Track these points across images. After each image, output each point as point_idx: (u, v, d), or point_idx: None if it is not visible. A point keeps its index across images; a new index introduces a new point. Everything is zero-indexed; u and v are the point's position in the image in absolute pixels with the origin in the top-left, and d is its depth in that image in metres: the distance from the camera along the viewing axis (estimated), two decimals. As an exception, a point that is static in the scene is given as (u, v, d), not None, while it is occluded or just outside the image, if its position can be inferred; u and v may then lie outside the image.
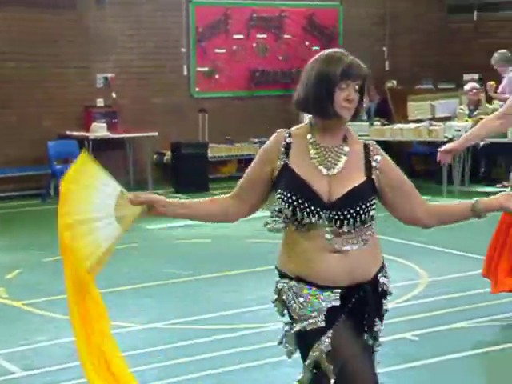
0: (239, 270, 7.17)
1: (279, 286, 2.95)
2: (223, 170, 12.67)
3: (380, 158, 2.89)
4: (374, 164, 2.88)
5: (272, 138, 2.94)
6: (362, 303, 2.87)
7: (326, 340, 2.81)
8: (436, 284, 6.49)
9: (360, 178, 2.85)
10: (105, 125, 11.50)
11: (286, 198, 2.81)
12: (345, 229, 2.80)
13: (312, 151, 2.86)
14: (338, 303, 2.83)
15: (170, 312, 6.06)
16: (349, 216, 2.79)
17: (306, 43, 13.35)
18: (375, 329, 2.90)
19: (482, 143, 10.29)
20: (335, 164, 2.84)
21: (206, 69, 12.73)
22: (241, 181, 2.98)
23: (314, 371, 2.87)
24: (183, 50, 12.54)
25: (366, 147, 2.91)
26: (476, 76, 12.74)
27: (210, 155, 12.14)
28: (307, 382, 2.91)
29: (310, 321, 2.84)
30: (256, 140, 12.72)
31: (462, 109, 11.80)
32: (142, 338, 5.51)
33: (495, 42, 12.84)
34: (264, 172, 2.91)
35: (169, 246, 8.34)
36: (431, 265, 6.97)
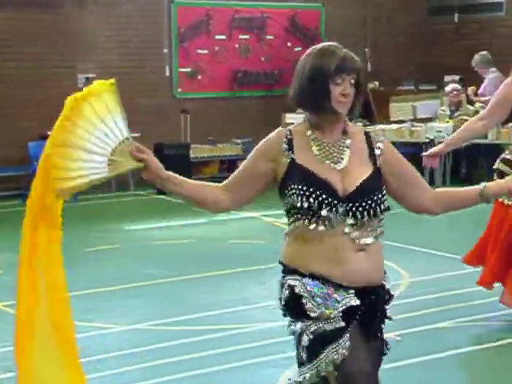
0: (222, 271, 7.16)
1: (291, 282, 2.82)
2: (206, 171, 12.65)
3: (382, 145, 2.85)
4: (377, 152, 2.83)
5: (272, 135, 2.87)
6: (373, 307, 2.81)
7: (344, 342, 2.73)
8: (417, 284, 6.51)
9: (368, 169, 2.80)
10: (86, 125, 11.43)
11: (301, 192, 2.72)
12: (361, 222, 2.73)
13: (314, 148, 2.80)
14: (355, 303, 2.75)
15: (154, 313, 6.05)
16: (366, 208, 2.73)
17: (289, 44, 13.37)
18: (382, 334, 2.88)
19: (463, 144, 10.34)
20: (341, 159, 2.79)
21: (189, 69, 12.71)
22: (235, 174, 2.88)
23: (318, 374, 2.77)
24: (165, 50, 12.51)
25: (367, 135, 2.86)
26: (457, 77, 12.80)
27: (192, 156, 12.12)
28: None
29: (329, 321, 2.74)
30: (238, 141, 12.71)
31: (443, 110, 11.85)
32: (126, 339, 5.49)
33: (476, 43, 12.92)
34: (263, 168, 2.82)
35: (151, 246, 8.31)
36: (411, 265, 6.99)
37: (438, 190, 2.97)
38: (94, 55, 11.99)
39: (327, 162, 2.78)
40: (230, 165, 12.70)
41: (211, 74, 12.80)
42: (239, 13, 13.02)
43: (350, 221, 2.73)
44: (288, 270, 2.85)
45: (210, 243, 8.41)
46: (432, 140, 11.16)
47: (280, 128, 2.90)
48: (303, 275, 2.79)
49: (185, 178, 2.82)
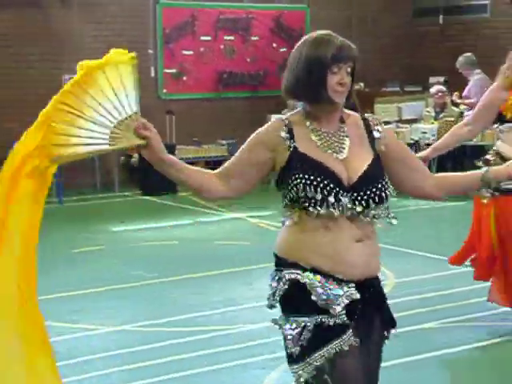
0: (206, 272, 7.16)
1: (291, 276, 2.72)
2: (191, 172, 12.63)
3: (381, 129, 2.81)
4: (376, 135, 2.79)
5: (270, 124, 2.80)
6: (373, 299, 2.78)
7: (348, 338, 2.68)
8: (403, 285, 6.53)
9: (369, 156, 2.75)
10: (71, 126, 11.40)
11: (308, 181, 2.65)
12: (366, 211, 2.69)
13: (314, 138, 2.74)
14: (356, 297, 2.69)
15: (141, 314, 6.03)
16: (371, 196, 2.68)
17: (274, 45, 13.38)
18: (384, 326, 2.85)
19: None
20: (342, 148, 2.74)
21: (174, 70, 12.70)
22: (229, 164, 2.78)
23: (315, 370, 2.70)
24: (150, 51, 12.49)
25: (365, 120, 2.82)
26: (442, 79, 12.85)
27: (177, 157, 12.09)
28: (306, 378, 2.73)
29: (332, 317, 2.68)
30: (224, 142, 12.71)
31: (428, 111, 11.90)
32: (112, 340, 5.47)
33: (461, 45, 12.98)
34: (262, 157, 2.74)
35: (136, 248, 8.29)
36: (396, 266, 7.01)
37: (438, 174, 2.94)
38: (79, 56, 11.82)
39: (329, 151, 2.73)
40: (215, 166, 12.69)
41: (196, 74, 12.79)
42: (224, 14, 13.02)
43: (355, 210, 2.68)
44: (286, 264, 2.75)
45: (196, 244, 8.40)
46: (417, 141, 11.20)
47: (276, 117, 2.84)
48: (304, 269, 2.71)
49: (184, 163, 2.72)
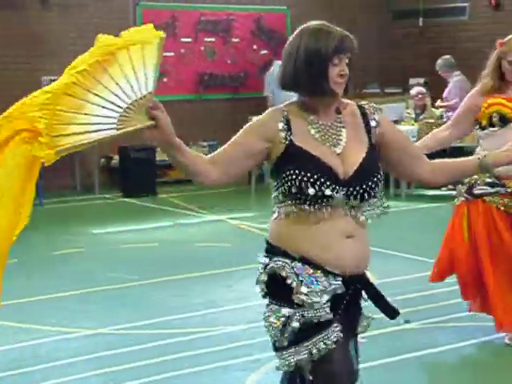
0: (187, 274, 7.14)
1: (277, 264, 2.70)
2: (171, 174, 12.60)
3: (378, 116, 2.79)
4: (373, 124, 2.76)
5: (267, 114, 2.75)
6: (357, 295, 2.77)
7: (331, 333, 2.65)
8: (385, 286, 6.49)
9: (364, 147, 2.72)
10: (51, 128, 11.35)
11: (303, 178, 2.61)
12: (359, 204, 2.67)
13: (312, 130, 2.71)
14: (342, 291, 2.68)
15: (119, 317, 6.00)
16: (366, 190, 2.66)
17: (254, 47, 13.38)
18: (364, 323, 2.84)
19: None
20: (339, 140, 2.71)
21: (154, 72, 12.66)
22: (225, 149, 2.72)
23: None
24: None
25: (361, 108, 2.80)
26: (422, 80, 12.91)
27: (158, 159, 12.07)
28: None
29: (316, 310, 2.66)
30: (205, 143, 12.69)
31: (408, 113, 11.95)
32: (91, 343, 5.44)
33: (440, 47, 13.05)
34: (258, 146, 2.69)
35: (115, 250, 8.26)
36: (378, 267, 7.01)
37: (436, 161, 2.91)
38: (59, 57, 11.88)
39: (326, 144, 2.69)
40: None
41: (177, 76, 12.77)
42: (205, 15, 13.01)
43: (350, 204, 2.67)
44: (276, 251, 2.73)
45: (177, 246, 8.38)
46: (397, 143, 11.23)
47: (272, 108, 2.79)
48: (293, 258, 2.69)
49: (187, 147, 2.64)
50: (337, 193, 2.63)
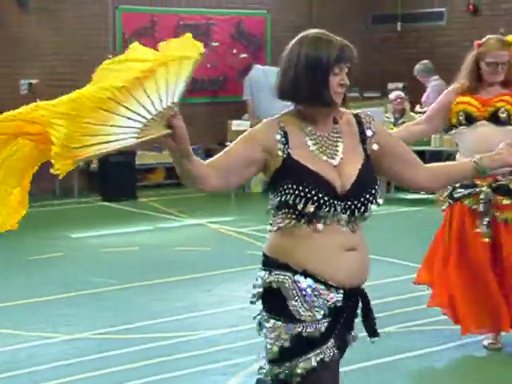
0: (167, 279, 7.12)
1: (279, 278, 2.66)
2: (151, 178, 12.58)
3: (374, 125, 2.76)
4: (369, 134, 2.74)
5: (265, 124, 2.69)
6: (355, 308, 2.76)
7: (328, 350, 2.65)
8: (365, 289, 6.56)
9: (360, 158, 2.70)
10: (29, 132, 11.29)
11: (301, 193, 2.58)
12: (356, 217, 2.65)
13: (310, 142, 2.67)
14: (342, 304, 2.67)
15: (98, 321, 5.98)
16: (364, 203, 2.65)
17: (234, 51, 13.39)
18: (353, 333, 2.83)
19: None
20: (336, 151, 2.68)
21: (134, 76, 12.64)
22: (223, 157, 2.64)
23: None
24: (110, 56, 12.38)
25: (357, 117, 2.77)
26: (400, 85, 12.98)
27: (137, 163, 12.04)
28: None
29: (316, 325, 2.64)
30: (184, 147, 12.66)
31: (387, 117, 12.00)
32: (71, 348, 5.41)
33: (418, 52, 13.13)
34: (256, 156, 2.64)
35: (95, 254, 8.22)
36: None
37: (431, 165, 2.90)
38: (38, 61, 11.84)
39: (324, 157, 2.66)
40: (175, 172, 12.62)
41: (156, 80, 12.74)
42: (184, 19, 13.00)
43: (347, 217, 2.64)
44: (276, 264, 2.69)
45: (156, 250, 8.36)
46: (376, 146, 11.26)
47: (269, 118, 2.72)
48: (294, 271, 2.65)
49: (193, 154, 2.55)
50: (334, 207, 2.61)
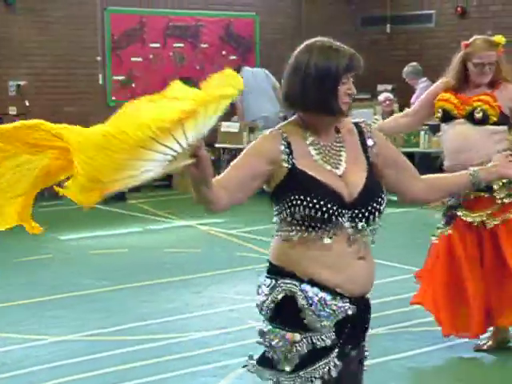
0: (156, 280, 7.11)
1: (285, 286, 2.61)
2: (140, 180, 12.56)
3: (375, 137, 2.74)
4: (370, 143, 2.72)
5: (266, 137, 2.67)
6: (363, 316, 2.73)
7: (335, 359, 2.62)
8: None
9: (364, 167, 2.68)
10: (18, 133, 11.26)
11: (309, 204, 2.54)
12: (365, 227, 2.62)
13: (313, 152, 2.64)
14: (350, 312, 2.63)
15: (87, 323, 5.97)
16: (372, 212, 2.62)
17: (223, 52, 13.40)
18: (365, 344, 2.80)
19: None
20: (339, 161, 2.65)
21: (123, 77, 12.62)
22: (228, 176, 2.60)
23: None
24: (99, 58, 12.40)
25: (358, 126, 2.75)
26: (390, 87, 13.02)
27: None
28: None
29: (324, 335, 2.60)
30: (173, 149, 12.66)
31: (376, 119, 11.97)
32: (59, 350, 5.39)
33: (407, 53, 13.17)
34: (262, 169, 2.60)
35: (84, 256, 8.20)
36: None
37: (427, 177, 2.87)
38: (26, 62, 11.81)
39: (328, 167, 2.63)
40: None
41: (145, 81, 12.73)
42: (173, 21, 12.99)
43: (356, 227, 2.61)
44: (282, 273, 2.63)
45: (146, 252, 8.34)
46: (365, 148, 11.30)
47: (270, 129, 2.69)
48: (301, 280, 2.61)
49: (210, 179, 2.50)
50: (342, 216, 2.58)
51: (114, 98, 12.53)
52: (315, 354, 2.60)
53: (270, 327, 2.64)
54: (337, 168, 2.65)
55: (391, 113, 11.95)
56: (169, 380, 4.89)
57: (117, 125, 2.23)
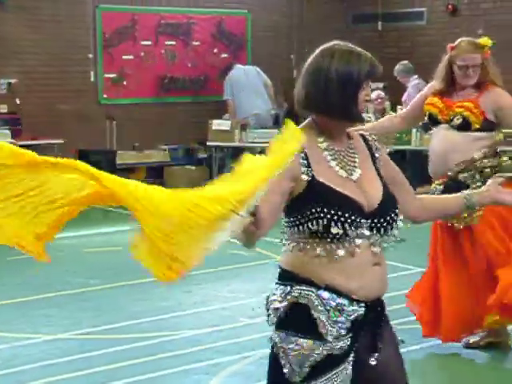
0: (149, 278, 7.07)
1: (301, 293, 2.56)
2: (132, 177, 12.48)
3: (380, 151, 2.73)
4: (377, 155, 2.70)
5: None
6: (378, 318, 2.67)
7: (348, 367, 2.58)
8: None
9: (377, 177, 2.65)
10: (8, 132, 11.22)
11: (330, 216, 2.50)
12: (383, 235, 2.59)
13: (329, 157, 2.60)
14: (364, 317, 2.59)
15: (80, 322, 5.96)
16: (390, 222, 2.60)
17: (215, 50, 13.38)
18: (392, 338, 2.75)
19: (387, 150, 10.53)
20: (354, 167, 2.63)
21: (114, 75, 12.59)
22: (265, 204, 2.41)
23: None
24: (90, 55, 12.37)
25: (363, 136, 2.73)
26: (381, 84, 13.02)
27: (118, 162, 12.01)
28: None
29: (339, 342, 2.55)
30: (165, 147, 12.65)
31: (368, 117, 12.03)
32: (51, 349, 5.39)
33: (398, 51, 13.18)
34: (287, 187, 2.54)
35: (76, 254, 8.19)
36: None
37: (422, 196, 2.87)
38: (16, 60, 11.77)
39: (345, 174, 2.60)
40: (156, 171, 12.63)
41: (137, 79, 12.71)
42: (165, 18, 12.97)
43: (373, 236, 2.58)
44: (297, 279, 2.57)
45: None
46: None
47: None
48: (317, 287, 2.55)
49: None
50: (362, 227, 2.55)
51: (105, 96, 12.51)
52: (330, 362, 2.56)
53: (284, 335, 2.57)
54: (351, 174, 2.62)
55: (383, 111, 11.98)
56: (162, 378, 4.89)
57: (190, 200, 2.15)
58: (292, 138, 2.28)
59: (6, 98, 11.70)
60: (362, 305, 2.59)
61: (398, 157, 11.30)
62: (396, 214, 2.64)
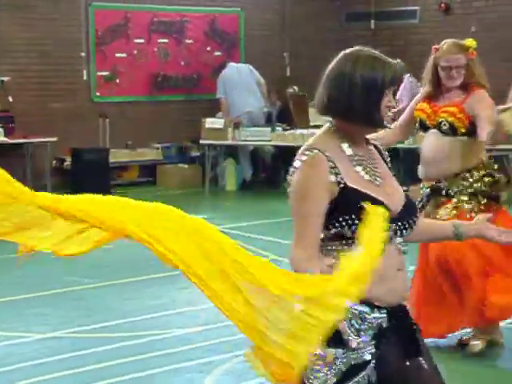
0: (142, 277, 7.10)
1: None
2: (125, 176, 12.53)
3: (389, 157, 2.76)
4: (388, 164, 2.74)
5: (316, 165, 2.54)
6: (401, 324, 2.64)
7: (370, 374, 2.55)
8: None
9: (396, 181, 2.68)
10: (1, 130, 11.21)
11: (359, 221, 2.45)
12: (403, 239, 2.62)
13: (354, 162, 2.60)
14: (387, 324, 2.58)
15: (72, 320, 5.95)
16: (411, 225, 2.63)
17: (208, 48, 13.37)
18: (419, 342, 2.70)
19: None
20: (377, 172, 2.64)
21: (107, 73, 12.57)
22: (314, 232, 2.51)
23: None
24: (83, 53, 12.34)
25: (375, 145, 2.74)
26: (374, 83, 13.06)
27: (111, 160, 11.99)
28: None
29: (363, 349, 2.54)
30: (158, 145, 12.64)
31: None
32: (43, 348, 5.38)
33: (391, 50, 13.15)
34: (326, 202, 2.53)
35: (69, 253, 8.16)
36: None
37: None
38: (9, 58, 11.74)
39: (370, 179, 2.61)
40: (149, 170, 12.62)
41: (130, 77, 12.69)
42: (158, 16, 12.95)
43: (398, 239, 2.61)
44: None
45: (131, 249, 8.25)
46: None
47: (310, 153, 2.56)
48: None
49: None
50: (389, 230, 2.53)
51: (98, 94, 12.48)
52: (353, 370, 2.54)
53: None
54: (375, 179, 2.63)
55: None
56: (153, 377, 4.88)
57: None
58: (377, 224, 2.32)
59: (-2, 95, 11.66)
60: (384, 311, 2.58)
61: (391, 155, 11.33)
62: (417, 217, 2.67)
